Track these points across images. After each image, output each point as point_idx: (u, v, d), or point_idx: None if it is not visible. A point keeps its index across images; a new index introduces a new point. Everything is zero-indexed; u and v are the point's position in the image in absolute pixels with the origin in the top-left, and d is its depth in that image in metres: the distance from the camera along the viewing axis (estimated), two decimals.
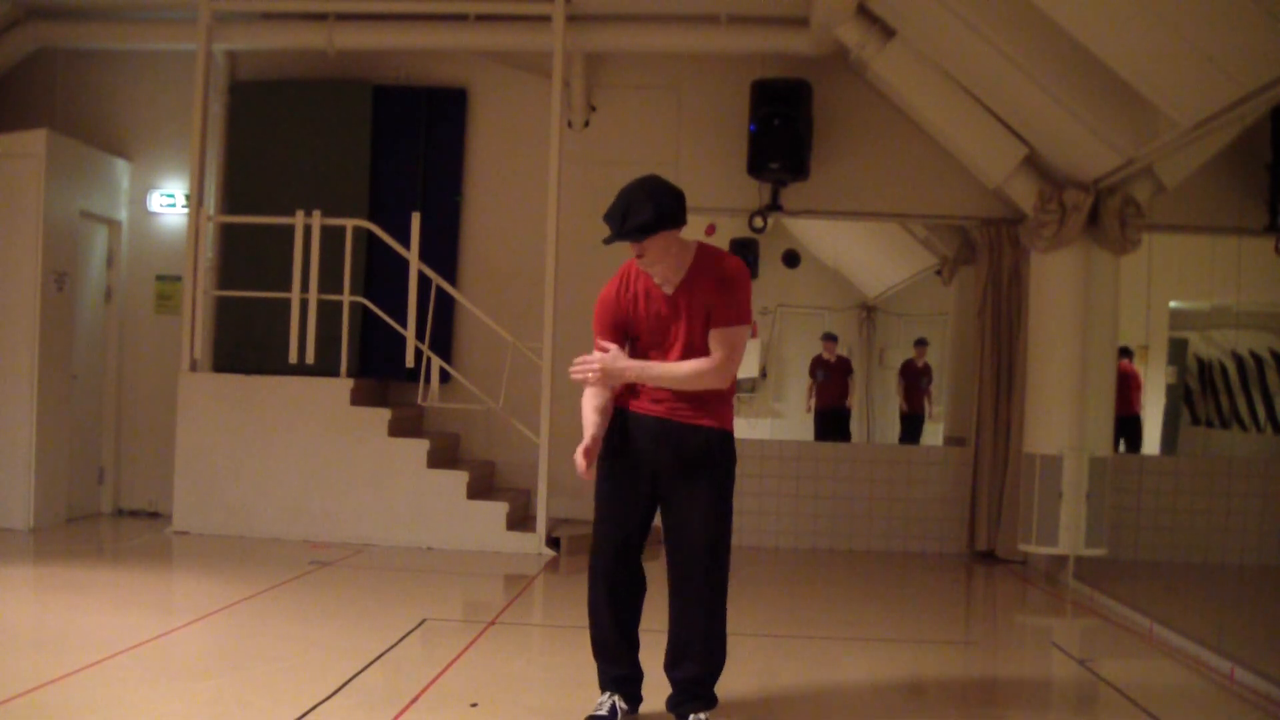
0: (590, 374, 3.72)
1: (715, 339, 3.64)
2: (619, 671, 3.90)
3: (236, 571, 6.45)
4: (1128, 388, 9.64)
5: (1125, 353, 9.61)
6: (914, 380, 11.41)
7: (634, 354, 3.82)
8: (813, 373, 11.45)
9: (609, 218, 3.55)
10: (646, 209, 3.49)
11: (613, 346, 3.75)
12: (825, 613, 6.22)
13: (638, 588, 3.88)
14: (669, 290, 3.68)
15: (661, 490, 3.77)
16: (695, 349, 3.68)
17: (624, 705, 3.88)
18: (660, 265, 3.61)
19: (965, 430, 8.69)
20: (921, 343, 11.63)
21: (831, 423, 11.20)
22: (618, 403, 3.85)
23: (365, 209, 8.26)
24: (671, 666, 3.86)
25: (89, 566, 6.64)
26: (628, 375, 3.72)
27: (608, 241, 3.59)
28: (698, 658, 3.79)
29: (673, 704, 3.84)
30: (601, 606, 3.85)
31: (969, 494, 8.25)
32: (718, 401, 3.76)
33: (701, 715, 3.77)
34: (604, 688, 3.93)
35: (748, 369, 11.62)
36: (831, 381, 11.32)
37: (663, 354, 3.74)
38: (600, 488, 3.85)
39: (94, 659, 4.33)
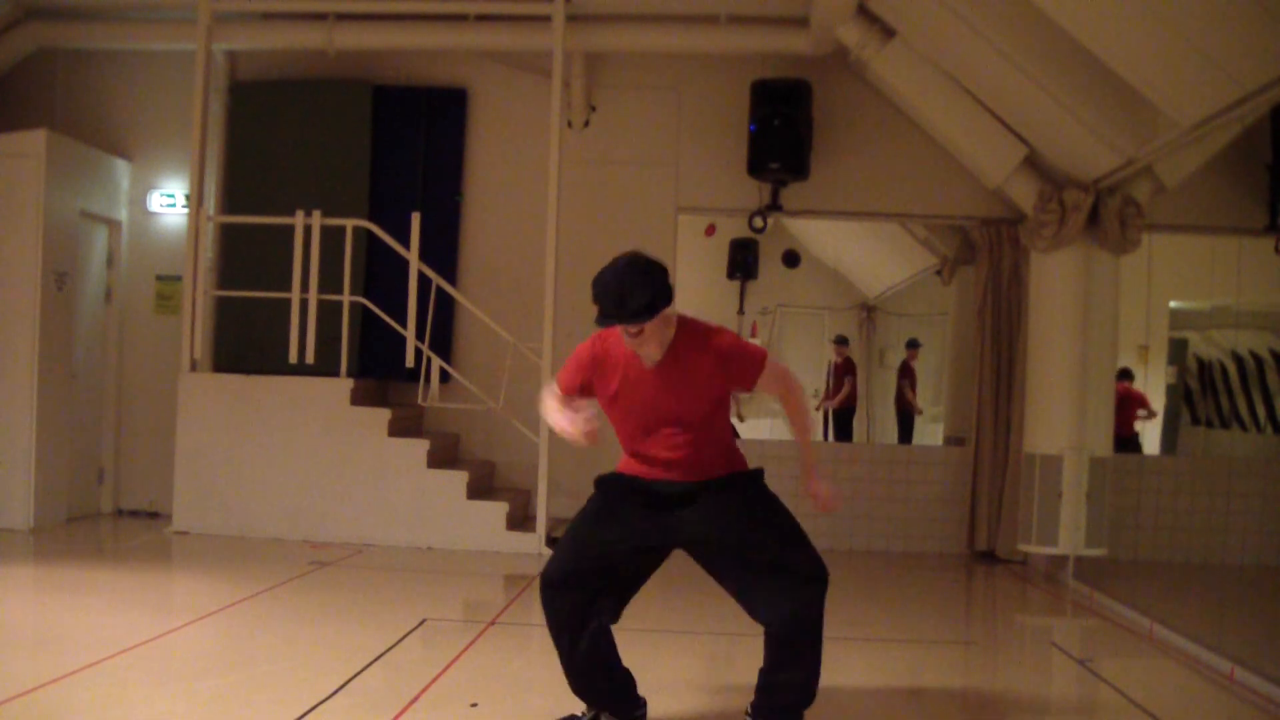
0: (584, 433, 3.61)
1: (769, 380, 3.60)
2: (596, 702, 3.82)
3: (236, 571, 6.45)
4: (1127, 409, 9.65)
5: (1125, 374, 9.62)
6: (913, 379, 11.49)
7: (617, 424, 3.76)
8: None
9: (603, 300, 3.41)
10: (645, 290, 3.37)
11: (584, 405, 3.69)
12: (825, 612, 6.20)
13: (600, 631, 3.70)
14: (649, 365, 3.57)
15: (699, 555, 3.71)
16: (682, 419, 3.57)
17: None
18: (653, 343, 3.51)
19: (965, 430, 8.69)
20: (914, 344, 11.65)
21: (842, 422, 11.33)
22: (620, 469, 3.79)
23: (365, 209, 8.26)
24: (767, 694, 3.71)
25: (89, 566, 6.64)
26: (811, 464, 3.69)
27: (603, 324, 3.45)
28: (794, 693, 3.68)
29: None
30: (553, 633, 3.73)
31: (969, 494, 8.25)
32: (724, 455, 3.69)
33: None
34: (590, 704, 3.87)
35: None
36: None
37: (644, 426, 3.62)
38: (582, 521, 3.79)
39: (94, 659, 4.33)
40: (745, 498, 3.67)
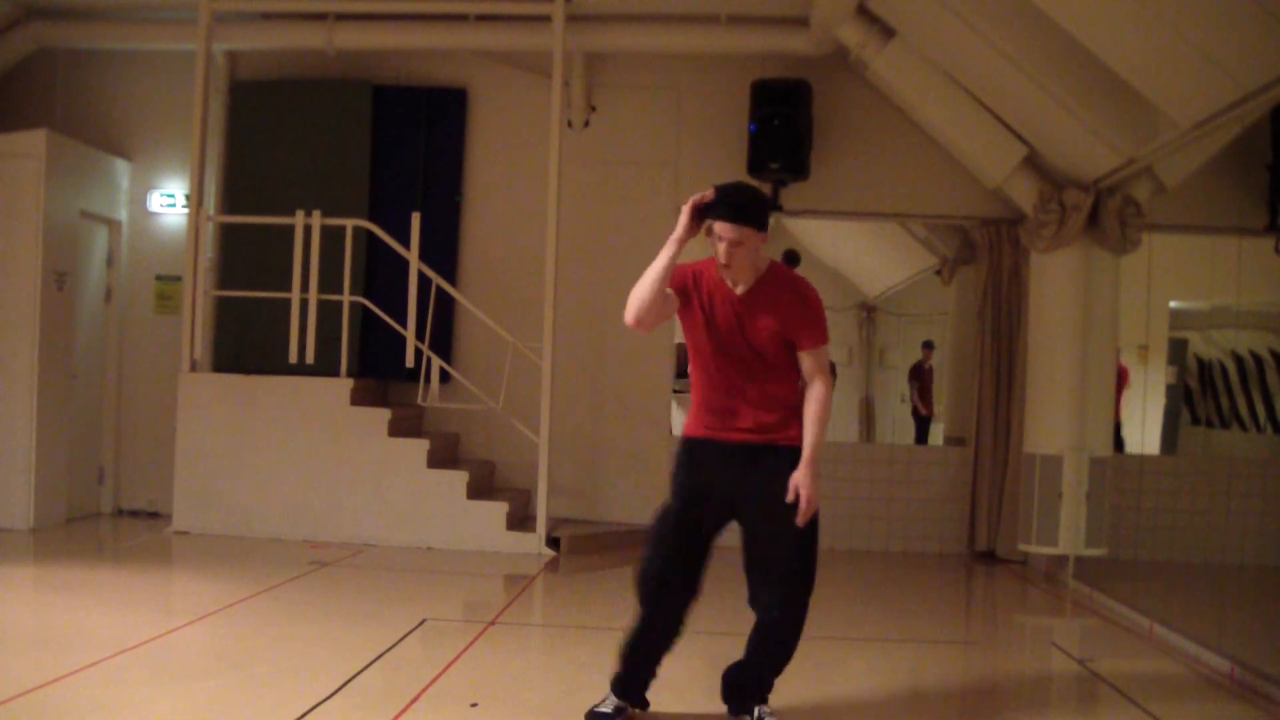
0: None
1: (811, 360, 3.71)
2: (638, 673, 3.90)
3: (236, 571, 6.45)
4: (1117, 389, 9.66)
5: None
6: (927, 382, 11.49)
7: (697, 361, 3.82)
8: (912, 379, 11.62)
9: (721, 200, 3.58)
10: (760, 204, 3.64)
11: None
12: (825, 613, 6.19)
13: (688, 594, 3.82)
14: (740, 290, 3.69)
15: (743, 513, 3.76)
16: (753, 348, 3.68)
17: (630, 707, 3.89)
18: (745, 265, 3.63)
19: (965, 430, 8.69)
20: (929, 345, 11.65)
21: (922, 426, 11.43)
22: (689, 431, 3.84)
23: (365, 209, 8.26)
24: (745, 667, 3.90)
25: (89, 566, 6.65)
26: (811, 455, 3.70)
27: (713, 214, 3.58)
28: (778, 659, 3.85)
29: (735, 699, 3.93)
30: (648, 607, 3.81)
31: (969, 494, 8.25)
32: (796, 419, 3.76)
33: (766, 708, 3.86)
34: (615, 688, 3.93)
35: None
36: (925, 387, 11.52)
37: (715, 353, 3.72)
38: (667, 508, 3.83)
39: (94, 659, 4.33)
40: (784, 476, 3.70)
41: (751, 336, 3.68)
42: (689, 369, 3.92)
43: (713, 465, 3.76)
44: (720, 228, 3.60)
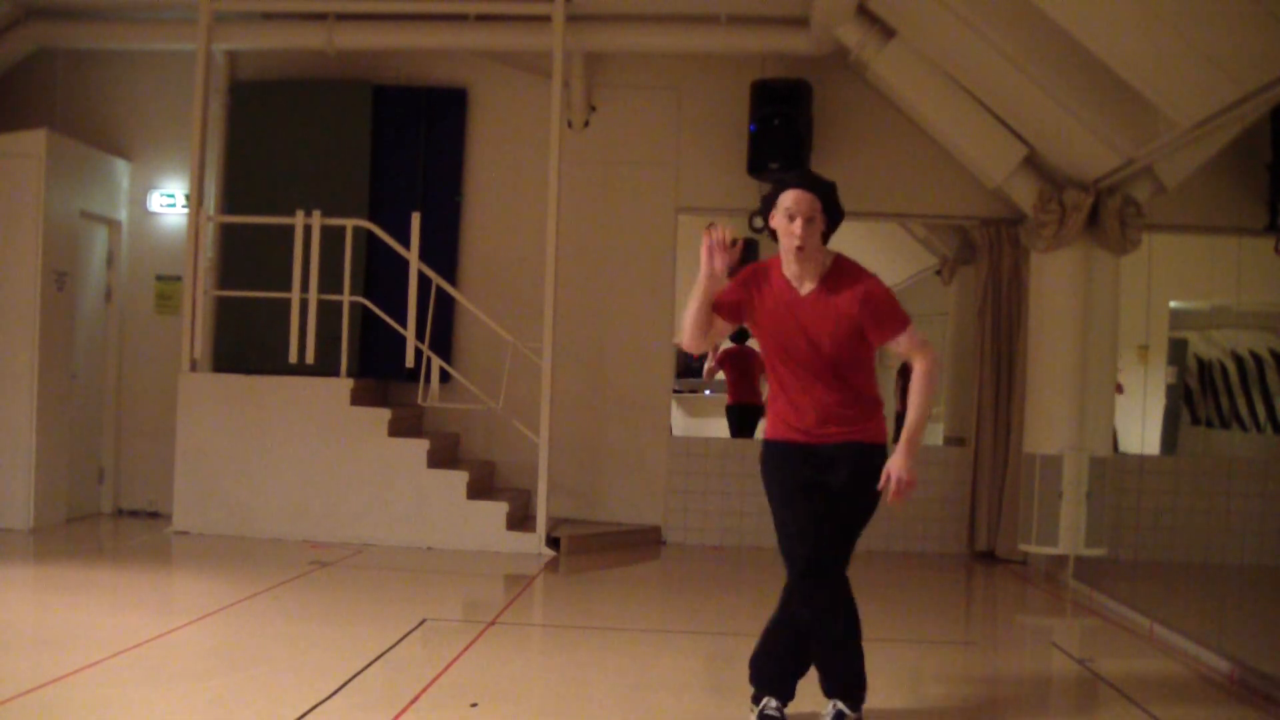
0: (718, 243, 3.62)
1: (906, 345, 3.67)
2: (782, 675, 3.87)
3: (236, 571, 6.45)
4: None
5: None
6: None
7: (749, 361, 3.84)
8: (900, 378, 11.57)
9: (793, 178, 3.59)
10: (831, 185, 3.60)
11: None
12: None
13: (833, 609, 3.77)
14: (804, 291, 3.64)
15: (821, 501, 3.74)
16: (822, 353, 3.62)
17: (782, 706, 3.83)
18: (811, 257, 3.59)
19: (965, 430, 8.69)
20: None
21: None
22: (771, 434, 3.80)
23: (365, 209, 8.25)
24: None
25: (89, 566, 6.65)
26: (914, 437, 3.65)
27: (785, 183, 3.58)
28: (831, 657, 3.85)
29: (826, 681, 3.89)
30: (784, 624, 3.79)
31: (969, 494, 8.25)
32: (877, 410, 3.76)
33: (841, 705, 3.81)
34: (763, 688, 3.86)
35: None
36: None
37: (786, 357, 3.67)
38: (775, 508, 3.81)
39: (94, 659, 4.33)
40: (863, 475, 3.69)
41: (818, 339, 3.61)
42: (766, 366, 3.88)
43: (798, 464, 3.72)
44: (792, 200, 3.55)
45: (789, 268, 3.65)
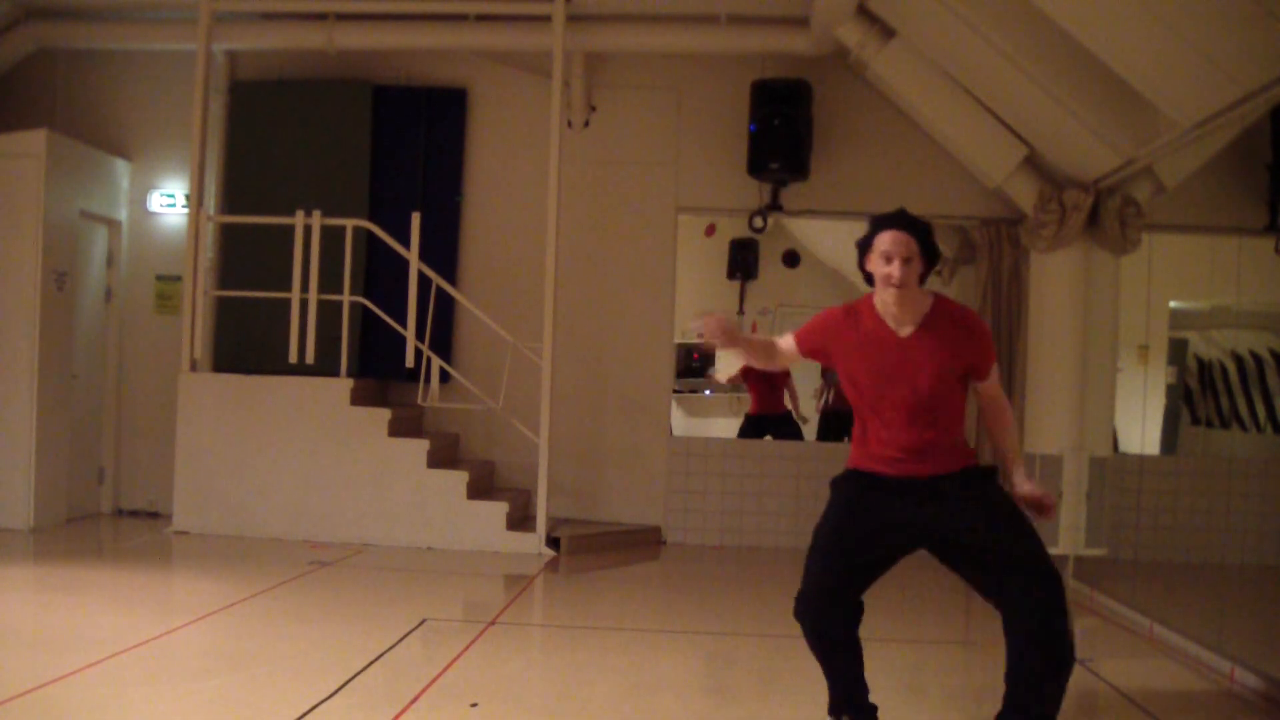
0: (711, 331, 3.63)
1: (992, 387, 3.68)
2: (851, 687, 3.75)
3: (236, 571, 6.45)
4: None
5: None
6: None
7: (845, 397, 3.80)
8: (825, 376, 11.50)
9: (886, 216, 3.61)
10: (927, 227, 3.58)
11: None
12: None
13: (852, 618, 3.72)
14: (904, 334, 3.58)
15: (945, 539, 3.65)
16: (920, 393, 3.54)
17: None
18: (910, 298, 3.54)
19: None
20: None
21: (841, 425, 11.26)
22: (858, 464, 3.71)
23: (365, 209, 8.26)
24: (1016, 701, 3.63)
25: (89, 566, 6.65)
26: (1012, 462, 3.66)
27: (879, 227, 3.57)
28: (1051, 691, 3.61)
29: None
30: (815, 640, 3.69)
31: None
32: (962, 441, 3.70)
33: None
34: (835, 711, 3.80)
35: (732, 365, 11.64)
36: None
37: (880, 401, 3.58)
38: (825, 525, 3.71)
39: (94, 659, 4.33)
40: (985, 496, 3.61)
41: (918, 381, 3.53)
42: (843, 395, 3.83)
43: (883, 496, 3.62)
44: (890, 241, 3.52)
45: (887, 310, 3.59)
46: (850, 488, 3.68)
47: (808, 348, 3.75)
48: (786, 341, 3.82)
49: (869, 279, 3.62)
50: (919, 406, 3.54)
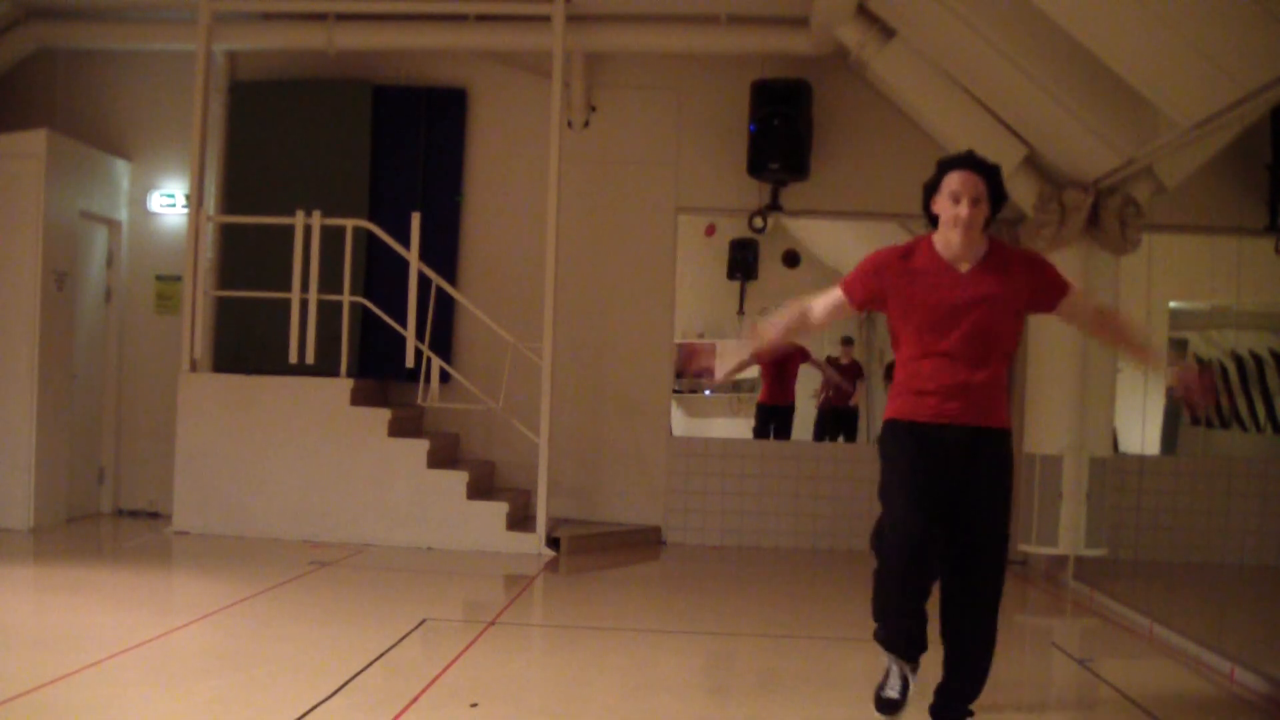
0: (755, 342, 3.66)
1: (1080, 301, 3.74)
2: (916, 631, 3.68)
3: (236, 571, 6.45)
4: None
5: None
6: (848, 376, 11.33)
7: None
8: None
9: (956, 157, 3.61)
10: (996, 169, 3.60)
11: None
12: (825, 613, 6.22)
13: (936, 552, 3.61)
14: (964, 268, 3.58)
15: (961, 498, 3.60)
16: (977, 326, 3.53)
17: (912, 675, 3.72)
18: (975, 239, 3.56)
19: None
20: (848, 341, 11.56)
21: (838, 421, 11.27)
22: (899, 413, 3.65)
23: (365, 209, 8.26)
24: (951, 676, 3.76)
25: (89, 566, 6.65)
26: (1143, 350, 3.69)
27: (949, 167, 3.57)
28: (978, 670, 3.74)
29: (941, 710, 3.76)
30: (908, 563, 3.57)
31: None
32: (1007, 397, 3.71)
33: None
34: (897, 650, 3.71)
35: (750, 369, 11.63)
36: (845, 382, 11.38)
37: (938, 336, 3.56)
38: (892, 476, 3.65)
39: (94, 659, 4.33)
40: (1005, 473, 3.64)
41: (975, 314, 3.53)
42: (893, 347, 3.76)
43: (929, 447, 3.58)
44: (959, 182, 3.52)
45: (950, 249, 3.59)
46: (903, 434, 3.64)
47: (862, 297, 3.69)
48: (830, 298, 3.75)
49: (933, 221, 3.62)
50: (975, 340, 3.54)
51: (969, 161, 3.59)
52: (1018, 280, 3.59)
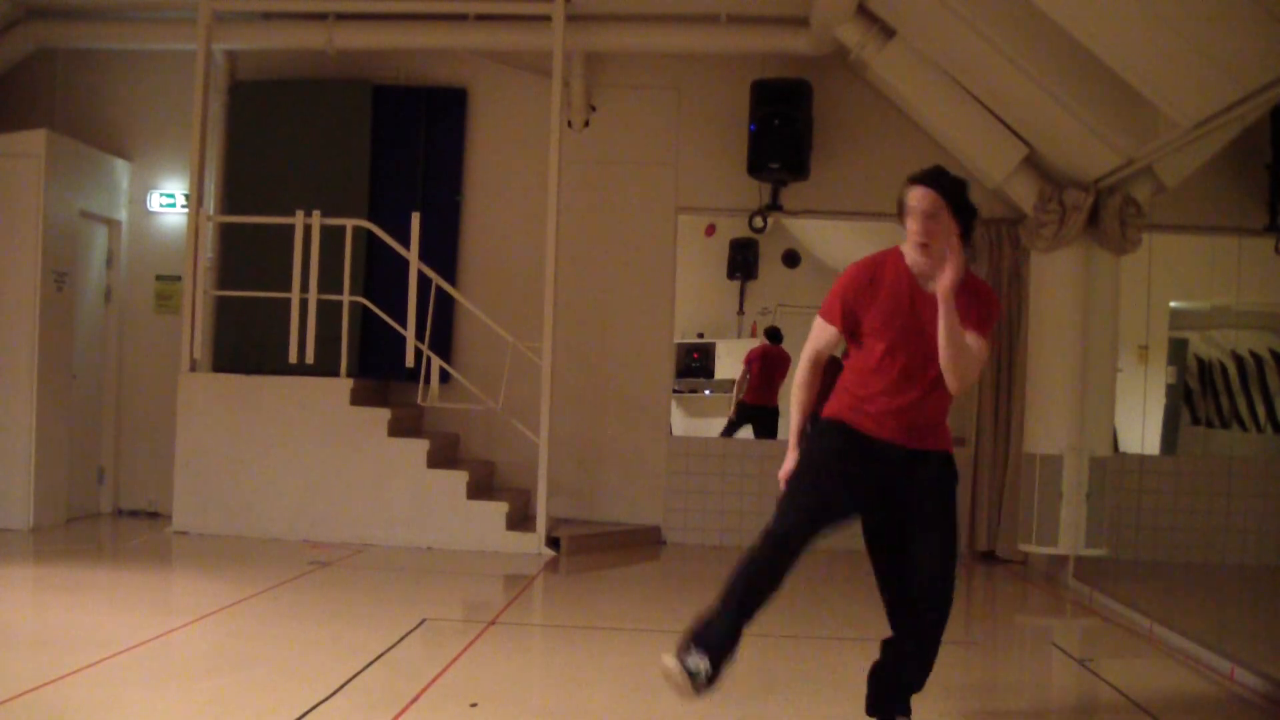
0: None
1: (979, 339, 3.57)
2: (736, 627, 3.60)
3: (236, 571, 6.45)
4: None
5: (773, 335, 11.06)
6: (768, 368, 11.15)
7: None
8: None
9: (923, 172, 3.56)
10: (958, 186, 3.55)
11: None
12: (825, 613, 6.21)
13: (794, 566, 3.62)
14: (930, 287, 3.55)
15: (894, 514, 3.65)
16: (932, 352, 3.53)
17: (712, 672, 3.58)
18: (934, 255, 3.50)
19: (965, 430, 8.68)
20: (771, 333, 11.44)
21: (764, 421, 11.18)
22: (840, 414, 3.67)
23: (365, 209, 8.25)
24: (894, 673, 3.83)
25: (89, 566, 6.65)
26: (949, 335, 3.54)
27: (916, 181, 3.54)
28: (921, 670, 3.82)
29: (882, 707, 3.82)
30: (768, 566, 3.58)
31: (969, 494, 8.24)
32: (944, 425, 3.72)
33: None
34: (706, 644, 3.56)
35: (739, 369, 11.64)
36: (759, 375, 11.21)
37: (893, 352, 3.56)
38: (803, 476, 3.65)
39: (94, 659, 4.33)
40: (948, 491, 3.66)
41: (930, 333, 3.52)
42: (849, 351, 3.75)
43: (864, 457, 3.60)
44: (915, 197, 3.51)
45: (916, 265, 3.58)
46: (838, 436, 3.65)
47: (843, 324, 3.67)
48: (822, 333, 3.72)
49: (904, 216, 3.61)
50: (927, 362, 3.54)
51: (924, 177, 3.57)
52: (967, 307, 3.54)
